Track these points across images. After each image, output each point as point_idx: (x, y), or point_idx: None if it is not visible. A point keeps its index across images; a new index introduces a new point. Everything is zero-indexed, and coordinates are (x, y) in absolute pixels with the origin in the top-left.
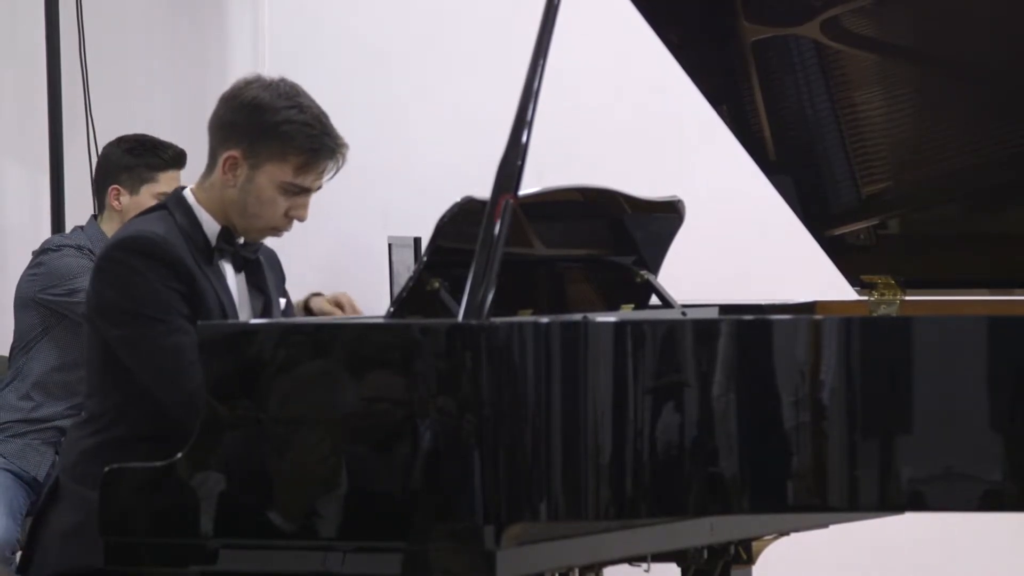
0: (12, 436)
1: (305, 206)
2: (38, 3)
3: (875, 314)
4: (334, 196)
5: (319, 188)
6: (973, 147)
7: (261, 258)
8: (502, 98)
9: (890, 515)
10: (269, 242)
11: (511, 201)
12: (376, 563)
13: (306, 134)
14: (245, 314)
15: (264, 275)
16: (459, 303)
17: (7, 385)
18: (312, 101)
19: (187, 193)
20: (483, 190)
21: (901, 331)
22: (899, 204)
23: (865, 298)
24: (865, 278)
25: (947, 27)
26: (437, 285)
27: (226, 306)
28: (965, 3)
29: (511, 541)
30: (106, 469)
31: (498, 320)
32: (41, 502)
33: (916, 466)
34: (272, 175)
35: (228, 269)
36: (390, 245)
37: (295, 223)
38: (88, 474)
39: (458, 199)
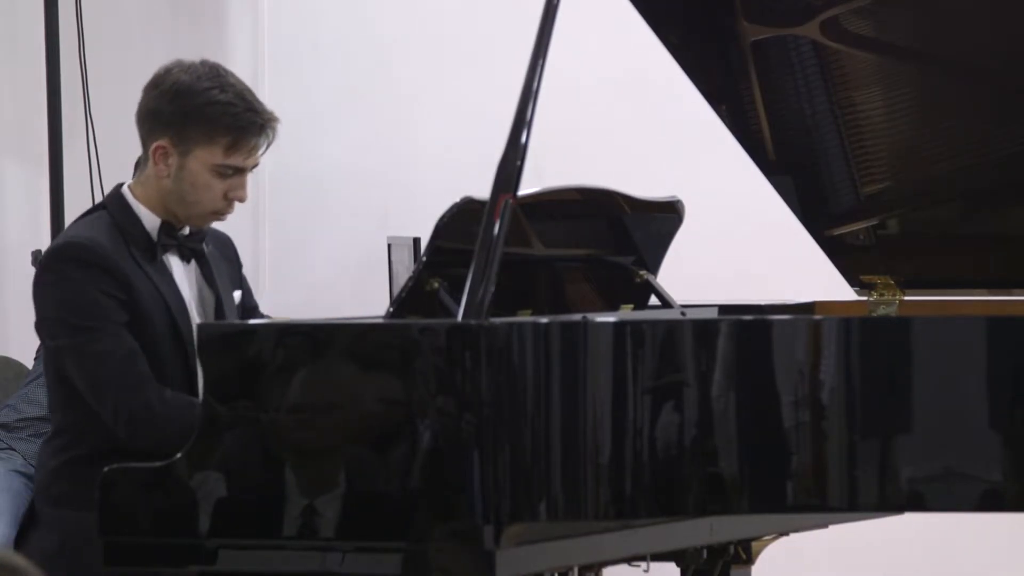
0: (33, 435)
1: (243, 186)
2: (38, 3)
3: (874, 314)
4: (333, 196)
5: (255, 166)
6: (973, 147)
7: (209, 248)
8: (501, 98)
9: (889, 515)
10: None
11: (510, 201)
12: (375, 563)
13: (230, 113)
14: (198, 307)
15: (211, 269)
16: (458, 303)
17: (34, 380)
18: (236, 79)
19: (125, 190)
20: (482, 190)
21: (900, 331)
22: (898, 204)
23: (864, 298)
24: (864, 278)
25: (947, 27)
26: (436, 285)
27: (171, 304)
28: (965, 3)
29: (510, 541)
30: (105, 469)
31: (497, 320)
32: (21, 525)
33: (915, 466)
34: (203, 159)
35: (175, 263)
36: (389, 245)
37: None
38: (60, 495)
39: (457, 199)
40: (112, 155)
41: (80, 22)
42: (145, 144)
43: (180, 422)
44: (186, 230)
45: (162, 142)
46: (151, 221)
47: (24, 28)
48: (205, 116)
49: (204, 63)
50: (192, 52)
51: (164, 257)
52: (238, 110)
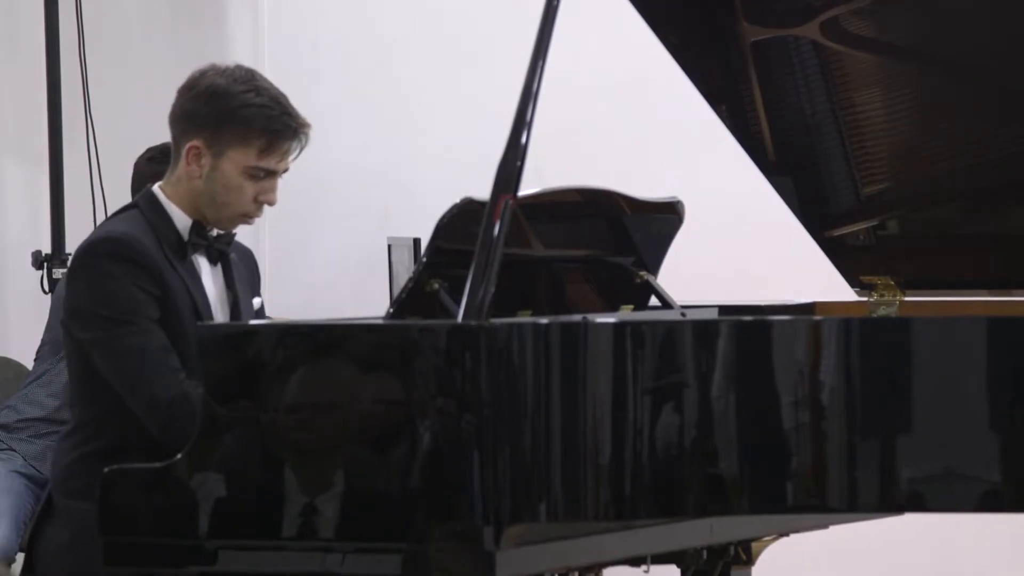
0: (33, 436)
1: (273, 189)
2: (38, 3)
3: (874, 315)
4: (334, 197)
5: (286, 170)
6: (973, 147)
7: (234, 256)
8: (501, 98)
9: (889, 516)
10: (254, 238)
11: (510, 201)
12: (375, 563)
13: (265, 115)
14: (222, 308)
15: (232, 273)
16: (458, 304)
17: (34, 380)
18: (269, 84)
19: (156, 190)
20: (483, 190)
21: (900, 332)
22: (898, 204)
23: (864, 299)
24: (864, 279)
25: (947, 27)
26: (436, 286)
27: (199, 304)
28: (965, 3)
29: (510, 542)
30: (106, 470)
31: (497, 321)
32: (35, 518)
33: (915, 467)
34: (236, 161)
35: (203, 263)
36: (389, 246)
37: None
38: (76, 488)
39: (457, 200)
40: (112, 155)
41: (80, 22)
42: (178, 144)
43: None
44: (215, 231)
45: (196, 142)
46: (182, 221)
47: (24, 28)
48: (240, 118)
49: (239, 67)
50: (192, 52)
51: (193, 257)
52: (273, 113)
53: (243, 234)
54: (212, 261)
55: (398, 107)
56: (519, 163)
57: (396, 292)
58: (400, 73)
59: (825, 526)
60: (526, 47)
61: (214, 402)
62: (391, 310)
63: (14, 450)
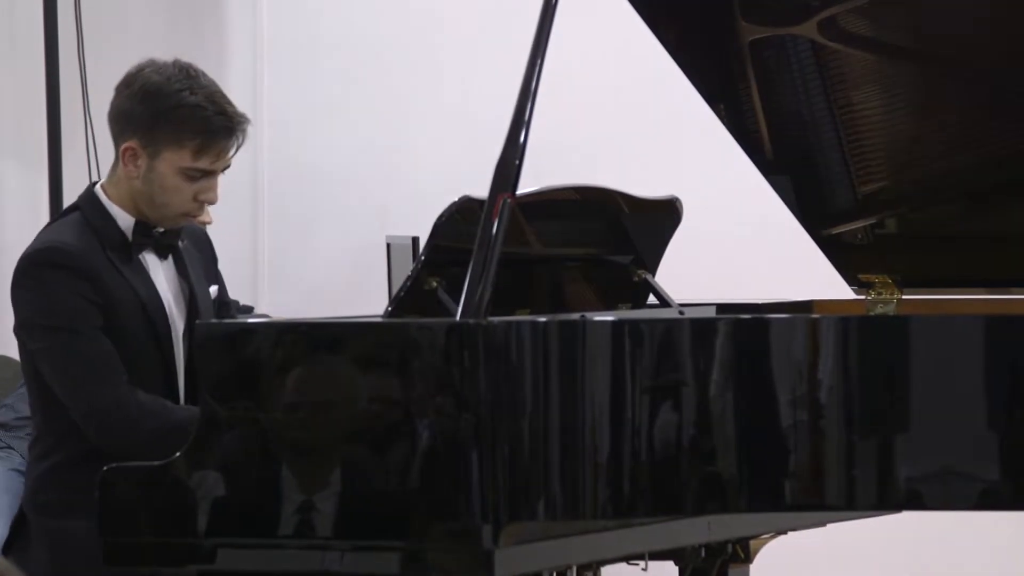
0: (31, 434)
1: (213, 188)
2: (37, 3)
3: (872, 313)
4: (332, 196)
5: (227, 167)
6: (971, 146)
7: (185, 243)
8: (500, 97)
9: (888, 514)
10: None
11: (509, 200)
12: (374, 562)
13: (199, 117)
14: (176, 303)
15: (185, 264)
16: (457, 302)
17: None
18: (208, 80)
19: (98, 190)
20: (481, 189)
21: (898, 330)
22: (896, 203)
23: (862, 297)
24: (863, 277)
25: (945, 27)
26: (435, 284)
27: (147, 305)
28: (964, 3)
29: (509, 540)
30: (105, 468)
31: (496, 319)
32: (10, 532)
33: (913, 465)
34: (171, 162)
35: (152, 260)
36: (388, 245)
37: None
38: (45, 503)
39: (456, 198)
40: (111, 155)
41: (79, 22)
42: (116, 144)
43: (153, 424)
44: (161, 228)
45: (131, 143)
46: (125, 221)
47: (24, 28)
48: (174, 119)
49: (176, 63)
50: (191, 52)
51: (140, 256)
52: (208, 113)
53: (242, 235)
54: (161, 256)
55: (397, 107)
56: (517, 162)
57: (395, 291)
58: (399, 73)
59: (823, 524)
60: (524, 47)
61: (212, 401)
62: (389, 308)
63: (12, 448)
